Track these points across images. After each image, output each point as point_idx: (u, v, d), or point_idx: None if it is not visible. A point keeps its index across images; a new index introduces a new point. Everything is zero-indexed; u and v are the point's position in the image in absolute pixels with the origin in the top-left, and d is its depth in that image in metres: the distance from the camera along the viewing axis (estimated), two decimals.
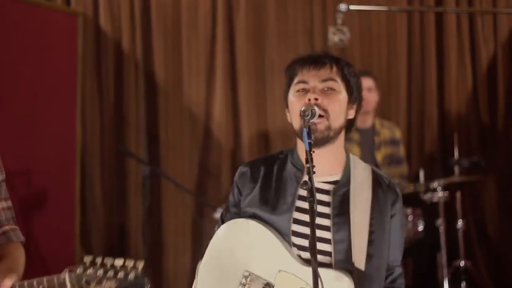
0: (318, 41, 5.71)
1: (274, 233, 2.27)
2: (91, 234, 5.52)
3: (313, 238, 1.99)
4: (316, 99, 2.23)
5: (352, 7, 4.34)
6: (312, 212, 2.01)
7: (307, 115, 2.13)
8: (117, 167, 5.60)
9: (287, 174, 2.36)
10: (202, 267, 2.35)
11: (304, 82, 2.29)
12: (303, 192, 2.27)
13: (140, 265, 1.73)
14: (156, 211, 5.55)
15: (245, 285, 2.26)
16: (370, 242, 2.26)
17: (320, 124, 2.23)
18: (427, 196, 4.91)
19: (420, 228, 4.83)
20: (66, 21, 5.42)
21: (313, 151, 2.09)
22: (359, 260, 2.23)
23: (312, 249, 1.98)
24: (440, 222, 4.90)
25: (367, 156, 5.16)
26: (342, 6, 4.26)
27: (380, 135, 5.20)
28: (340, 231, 2.25)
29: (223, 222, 2.42)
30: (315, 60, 2.31)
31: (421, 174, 5.02)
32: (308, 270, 2.08)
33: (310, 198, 2.01)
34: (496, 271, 5.62)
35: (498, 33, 5.86)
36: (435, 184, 4.90)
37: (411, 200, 5.08)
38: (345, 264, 2.23)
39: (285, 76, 2.38)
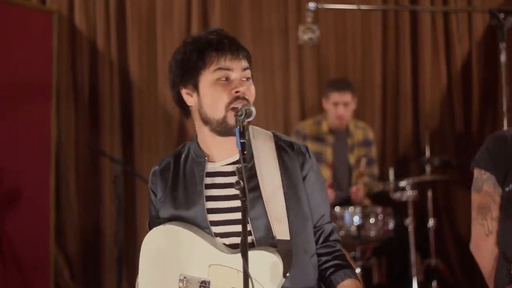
0: (292, 40, 5.71)
1: (194, 230, 2.25)
2: (66, 233, 5.52)
3: (244, 237, 1.99)
4: (238, 91, 2.21)
5: (322, 5, 4.34)
6: (244, 211, 2.00)
7: (241, 115, 2.10)
8: (91, 165, 5.61)
9: (190, 166, 2.33)
10: (140, 283, 2.35)
11: (228, 69, 2.23)
12: (208, 181, 2.27)
13: None
14: (130, 209, 5.55)
15: None
16: (288, 210, 2.23)
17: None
18: (396, 195, 4.92)
19: (391, 227, 4.83)
20: (41, 19, 5.42)
21: (247, 140, 2.08)
22: (282, 230, 2.20)
23: (244, 249, 1.97)
24: (409, 221, 4.90)
25: (341, 159, 5.17)
26: (311, 5, 4.25)
27: (353, 136, 5.20)
28: (254, 207, 2.21)
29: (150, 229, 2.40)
30: (232, 47, 2.24)
31: (391, 173, 5.02)
32: (236, 256, 2.10)
33: (243, 198, 2.00)
34: (469, 270, 5.63)
35: (472, 32, 5.88)
36: (404, 183, 4.90)
37: (381, 199, 5.10)
38: (266, 240, 2.20)
39: (184, 55, 2.29)
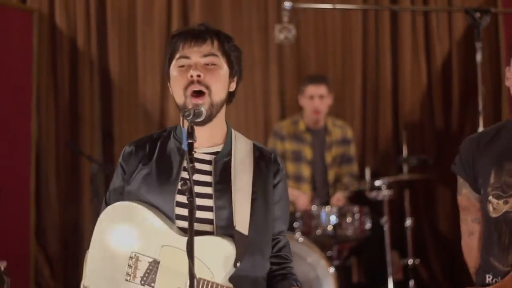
0: (272, 39, 5.67)
1: (153, 211, 2.28)
2: (46, 231, 5.55)
3: (191, 238, 1.99)
4: (199, 76, 2.25)
5: (298, 5, 4.35)
6: (191, 214, 2.01)
7: (188, 115, 2.14)
8: (72, 164, 5.63)
9: (170, 149, 2.36)
10: (89, 255, 2.34)
11: (186, 57, 2.29)
12: (184, 163, 2.31)
13: (3, 265, 1.74)
14: None
15: (131, 267, 2.26)
16: (253, 209, 2.29)
17: (204, 105, 2.25)
18: (372, 194, 4.92)
19: (368, 226, 4.83)
20: (21, 18, 5.43)
21: (195, 141, 2.10)
22: (242, 225, 2.25)
23: (190, 251, 1.98)
24: (384, 220, 4.90)
25: (319, 157, 5.17)
26: (287, 4, 4.27)
27: (331, 135, 5.20)
28: (222, 198, 2.28)
29: (107, 205, 2.39)
30: (196, 36, 2.30)
31: (367, 172, 5.03)
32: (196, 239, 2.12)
33: (190, 199, 2.01)
34: (448, 269, 5.65)
35: (453, 31, 5.87)
36: (379, 182, 4.90)
37: (358, 198, 5.11)
38: (227, 230, 2.25)
39: (166, 50, 2.39)
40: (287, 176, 5.10)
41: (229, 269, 2.21)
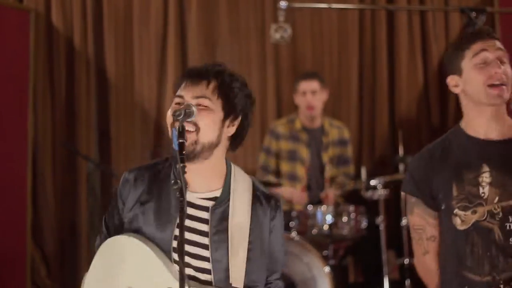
0: (269, 39, 5.70)
1: (155, 250, 2.25)
2: (43, 230, 5.54)
3: (181, 239, 2.00)
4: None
5: (293, 4, 4.34)
6: (182, 212, 2.01)
7: (179, 115, 2.12)
8: (68, 163, 5.62)
9: (168, 187, 2.32)
10: (87, 280, 2.35)
11: (180, 96, 2.27)
12: (187, 210, 2.24)
13: None
14: (107, 207, 5.55)
15: None
16: (249, 260, 2.27)
17: (187, 139, 2.19)
18: (368, 194, 4.92)
19: (364, 225, 4.84)
20: (18, 17, 5.43)
21: (185, 165, 2.08)
22: (238, 278, 2.24)
23: (180, 250, 1.99)
24: (380, 220, 4.90)
25: (315, 156, 5.17)
26: (282, 3, 4.26)
27: (328, 135, 5.19)
28: (218, 250, 2.25)
29: (106, 227, 2.40)
30: (194, 76, 2.27)
31: (363, 172, 5.03)
32: None
33: (181, 198, 2.01)
34: None
35: (449, 31, 5.89)
36: (375, 181, 4.90)
37: (354, 198, 5.11)
38: (225, 283, 2.23)
39: None
40: (279, 174, 5.12)
41: None
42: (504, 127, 2.53)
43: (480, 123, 2.52)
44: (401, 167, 5.21)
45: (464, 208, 2.45)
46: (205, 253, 2.26)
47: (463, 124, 2.59)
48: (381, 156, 5.82)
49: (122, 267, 2.28)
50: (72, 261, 5.58)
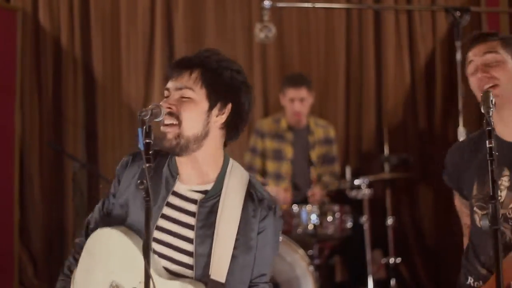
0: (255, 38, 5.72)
1: (136, 241, 2.23)
2: (30, 230, 5.54)
3: (147, 240, 2.00)
4: (170, 108, 2.18)
5: (276, 4, 4.35)
6: (148, 212, 2.01)
7: (145, 115, 2.07)
8: (55, 163, 5.63)
9: (162, 175, 2.30)
10: (76, 276, 2.36)
11: (167, 89, 2.25)
12: (172, 200, 2.25)
13: None
14: (93, 207, 5.55)
15: None
16: (233, 257, 2.21)
17: (170, 134, 2.18)
18: (352, 193, 4.93)
19: (349, 225, 4.84)
20: (5, 17, 5.44)
21: (152, 142, 2.06)
22: (219, 273, 2.18)
23: (146, 251, 1.99)
24: (364, 219, 4.91)
25: (300, 156, 5.18)
26: (266, 3, 4.27)
27: (314, 134, 5.21)
28: (203, 244, 2.20)
29: (103, 206, 2.40)
30: (177, 67, 2.24)
31: (347, 171, 5.04)
32: (171, 283, 2.13)
33: (147, 198, 2.00)
34: (431, 267, 5.66)
35: (436, 30, 5.89)
36: (359, 181, 4.91)
37: (339, 197, 5.11)
38: (204, 278, 2.19)
39: None
40: (265, 174, 5.11)
41: None
42: None
43: (499, 126, 2.53)
44: (386, 166, 5.22)
45: (481, 208, 2.49)
46: (189, 247, 2.22)
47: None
48: (367, 155, 5.83)
49: (105, 260, 2.29)
50: (59, 260, 5.56)
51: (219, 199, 2.24)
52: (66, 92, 5.64)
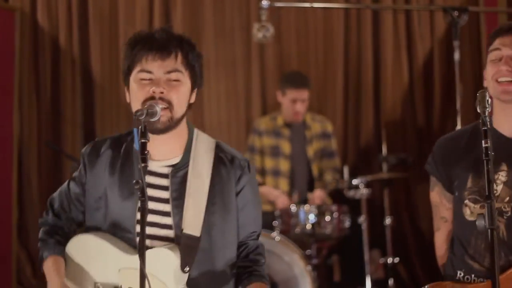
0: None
1: (102, 236, 2.28)
2: (28, 230, 5.53)
3: (142, 237, 2.01)
4: (162, 93, 2.20)
5: (274, 4, 4.36)
6: (143, 212, 2.02)
7: (141, 115, 2.09)
8: (54, 163, 5.63)
9: (134, 157, 2.33)
10: (66, 280, 2.37)
11: (148, 72, 2.24)
12: (149, 179, 2.26)
13: None
14: None
15: None
16: (209, 213, 2.25)
17: (163, 117, 2.20)
18: (350, 193, 4.93)
19: (347, 225, 4.84)
20: (3, 16, 5.44)
21: (148, 141, 2.08)
22: (193, 227, 2.22)
23: (141, 250, 1.99)
24: (362, 219, 4.91)
25: (298, 151, 5.18)
26: (264, 3, 4.29)
27: (311, 129, 5.22)
28: (180, 215, 2.25)
29: (69, 191, 2.43)
30: (160, 48, 2.24)
31: (345, 171, 5.04)
32: (148, 252, 2.12)
33: (142, 198, 2.01)
34: (430, 267, 5.66)
35: (434, 30, 5.90)
36: (357, 181, 4.91)
37: (337, 197, 5.11)
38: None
39: (125, 49, 2.32)
40: (264, 172, 5.11)
41: (180, 275, 2.19)
42: None
43: (501, 119, 2.53)
44: (385, 166, 5.22)
45: (475, 201, 2.49)
46: (167, 220, 2.26)
47: (494, 117, 2.57)
48: (365, 155, 5.83)
49: (86, 265, 2.32)
50: None
51: (187, 170, 2.29)
52: (64, 92, 5.64)
